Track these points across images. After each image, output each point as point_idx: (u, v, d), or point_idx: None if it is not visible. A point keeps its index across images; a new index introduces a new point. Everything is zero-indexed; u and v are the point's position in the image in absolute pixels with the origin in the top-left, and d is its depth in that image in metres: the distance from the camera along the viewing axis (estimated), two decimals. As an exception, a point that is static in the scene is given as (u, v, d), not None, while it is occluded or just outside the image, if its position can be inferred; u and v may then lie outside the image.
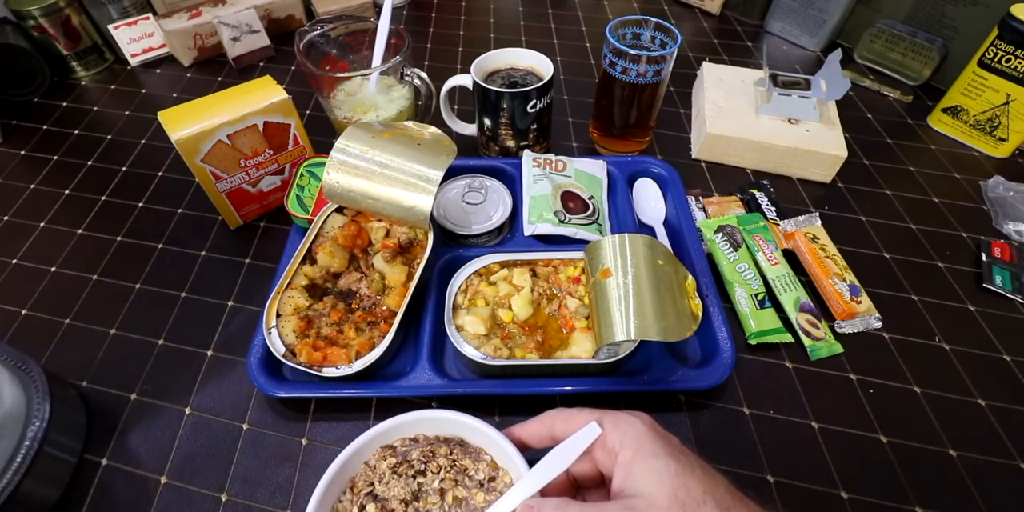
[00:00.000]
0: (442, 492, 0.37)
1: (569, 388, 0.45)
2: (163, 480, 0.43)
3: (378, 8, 0.89)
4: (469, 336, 0.46)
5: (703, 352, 0.50)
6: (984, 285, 0.56)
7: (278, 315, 0.47)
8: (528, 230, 0.55)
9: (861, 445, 0.45)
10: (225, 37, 0.78)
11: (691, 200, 0.62)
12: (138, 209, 0.63)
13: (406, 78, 0.64)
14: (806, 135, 0.65)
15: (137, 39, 0.81)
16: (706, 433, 0.46)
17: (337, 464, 0.37)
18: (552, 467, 0.33)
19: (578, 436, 0.33)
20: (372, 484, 0.37)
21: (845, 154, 0.63)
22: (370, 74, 0.61)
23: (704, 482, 0.29)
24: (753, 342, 0.51)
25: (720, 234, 0.57)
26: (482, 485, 0.37)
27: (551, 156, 0.61)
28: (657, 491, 0.28)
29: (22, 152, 0.70)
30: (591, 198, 0.58)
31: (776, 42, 0.88)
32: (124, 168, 0.68)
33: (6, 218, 0.63)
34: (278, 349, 0.45)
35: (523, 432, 0.36)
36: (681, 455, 0.30)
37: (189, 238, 0.60)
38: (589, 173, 0.60)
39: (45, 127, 0.73)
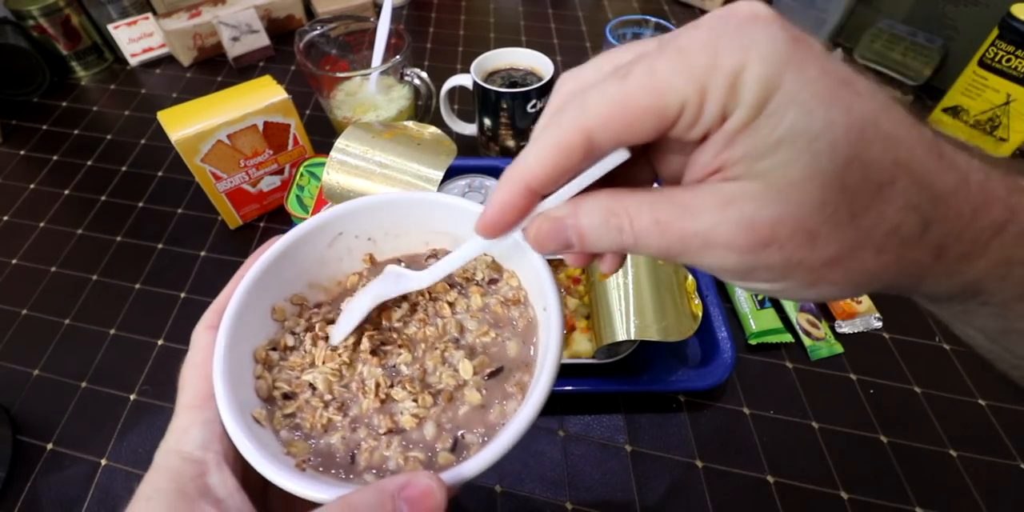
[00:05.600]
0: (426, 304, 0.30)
1: (569, 388, 0.45)
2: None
3: (378, 8, 0.89)
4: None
5: (703, 352, 0.50)
6: (984, 285, 0.56)
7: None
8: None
9: (861, 445, 0.45)
10: (225, 37, 0.78)
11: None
12: (138, 209, 0.63)
13: (406, 78, 0.64)
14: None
15: (137, 39, 0.81)
16: (706, 433, 0.46)
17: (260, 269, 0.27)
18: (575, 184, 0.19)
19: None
20: (319, 306, 0.31)
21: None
22: (370, 74, 0.61)
23: (893, 140, 0.16)
24: (753, 342, 0.51)
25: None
26: (481, 286, 0.30)
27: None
28: (799, 174, 0.15)
29: (22, 152, 0.70)
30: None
31: (776, 42, 0.88)
32: (124, 168, 0.68)
33: (6, 218, 0.63)
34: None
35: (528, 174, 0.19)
36: (852, 93, 0.15)
37: (189, 238, 0.60)
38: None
39: (45, 127, 0.73)
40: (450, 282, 0.31)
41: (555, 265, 0.51)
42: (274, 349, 0.28)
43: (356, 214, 0.30)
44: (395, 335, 0.29)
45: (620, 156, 0.18)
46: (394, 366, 0.28)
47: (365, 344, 0.28)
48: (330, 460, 0.25)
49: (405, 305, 0.30)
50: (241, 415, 0.23)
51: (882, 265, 0.17)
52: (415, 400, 0.26)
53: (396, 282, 0.28)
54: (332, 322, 0.29)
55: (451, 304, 0.29)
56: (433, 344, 0.28)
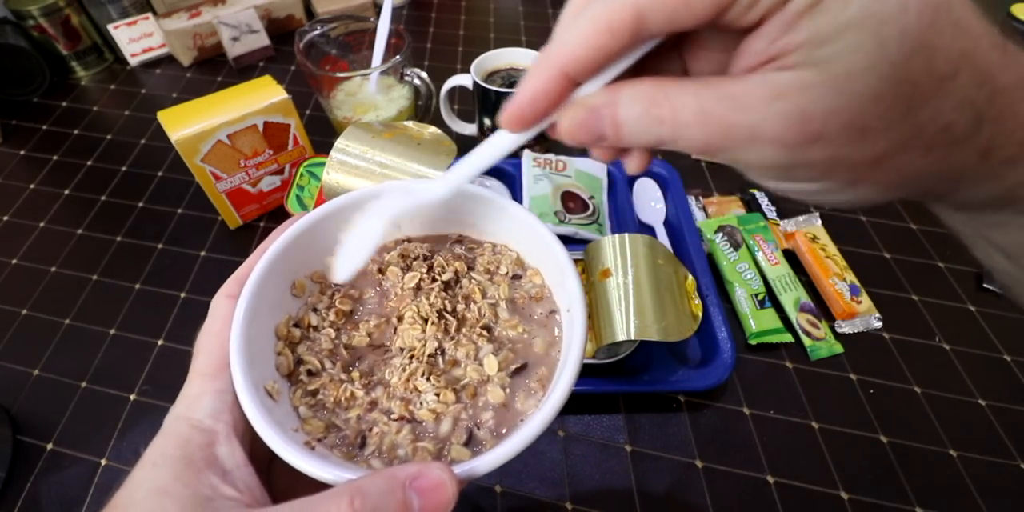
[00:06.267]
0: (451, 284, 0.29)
1: (569, 388, 0.45)
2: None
3: (378, 8, 0.89)
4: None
5: (703, 352, 0.50)
6: (984, 285, 0.56)
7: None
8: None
9: (861, 445, 0.45)
10: (225, 37, 0.78)
11: (691, 200, 0.62)
12: (138, 209, 0.63)
13: (406, 78, 0.64)
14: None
15: (137, 39, 0.81)
16: (706, 433, 0.46)
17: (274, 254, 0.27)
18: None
19: None
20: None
21: (845, 154, 0.63)
22: (370, 74, 0.61)
23: (962, 27, 0.15)
24: (753, 342, 0.51)
25: (720, 234, 0.57)
26: (510, 278, 0.30)
27: (551, 156, 0.61)
28: (861, 62, 0.14)
29: (22, 152, 0.70)
30: (591, 198, 0.58)
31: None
32: (124, 168, 0.68)
33: (6, 218, 0.62)
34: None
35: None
36: None
37: (189, 238, 0.60)
38: (589, 173, 0.60)
39: (45, 127, 0.73)
40: (470, 265, 0.30)
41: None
42: (296, 326, 0.28)
43: (380, 196, 0.30)
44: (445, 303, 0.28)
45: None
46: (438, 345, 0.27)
47: (433, 301, 0.27)
48: (341, 440, 0.25)
49: (437, 285, 0.29)
50: (255, 387, 0.23)
51: (926, 165, 0.16)
52: (437, 394, 0.25)
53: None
54: (357, 299, 0.29)
55: (481, 290, 0.29)
56: (472, 327, 0.28)
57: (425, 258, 0.30)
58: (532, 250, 0.30)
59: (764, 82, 0.15)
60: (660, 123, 0.16)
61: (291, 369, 0.26)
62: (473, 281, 0.29)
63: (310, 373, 0.27)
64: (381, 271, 0.30)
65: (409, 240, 0.32)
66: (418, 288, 0.29)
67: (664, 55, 0.18)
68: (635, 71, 0.18)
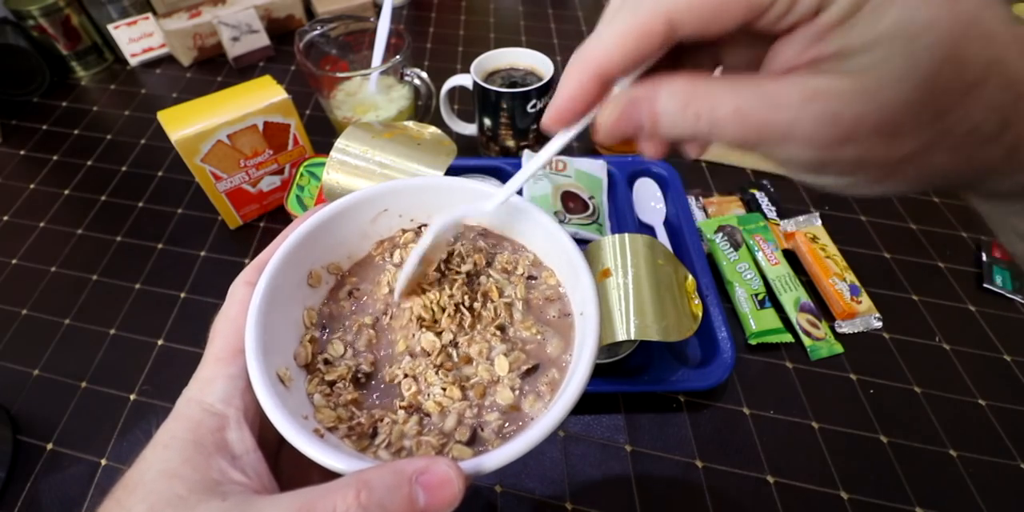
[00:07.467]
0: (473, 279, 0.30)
1: (569, 388, 0.45)
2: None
3: (378, 8, 0.89)
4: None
5: (703, 352, 0.50)
6: (984, 285, 0.56)
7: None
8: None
9: (861, 445, 0.45)
10: (225, 37, 0.78)
11: (691, 200, 0.62)
12: (138, 209, 0.63)
13: (406, 78, 0.64)
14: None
15: (137, 39, 0.81)
16: (706, 433, 0.46)
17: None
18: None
19: None
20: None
21: (845, 154, 0.63)
22: (370, 74, 0.61)
23: (990, 38, 0.15)
24: (753, 342, 0.51)
25: (720, 234, 0.57)
26: (526, 278, 0.30)
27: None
28: (892, 74, 0.15)
29: (22, 152, 0.70)
30: (591, 198, 0.58)
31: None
32: (124, 168, 0.68)
33: (6, 218, 0.63)
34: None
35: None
36: None
37: (189, 238, 0.60)
38: (589, 173, 0.60)
39: (45, 127, 0.73)
40: (489, 261, 0.31)
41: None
42: (320, 314, 0.29)
43: (401, 193, 0.31)
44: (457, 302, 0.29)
45: None
46: (452, 341, 0.28)
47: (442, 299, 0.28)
48: (354, 428, 0.25)
49: (461, 277, 0.29)
50: (268, 373, 0.23)
51: (953, 163, 0.17)
52: (444, 389, 0.26)
53: (462, 213, 0.27)
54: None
55: (499, 288, 0.29)
56: (487, 326, 0.28)
57: (449, 243, 0.31)
58: (548, 252, 0.30)
59: (798, 84, 0.16)
60: (697, 118, 0.17)
61: (309, 359, 0.27)
62: (491, 278, 0.30)
63: (327, 362, 0.27)
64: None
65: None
66: (442, 275, 0.29)
67: (698, 46, 0.19)
68: (669, 59, 0.18)
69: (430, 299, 0.28)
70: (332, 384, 0.26)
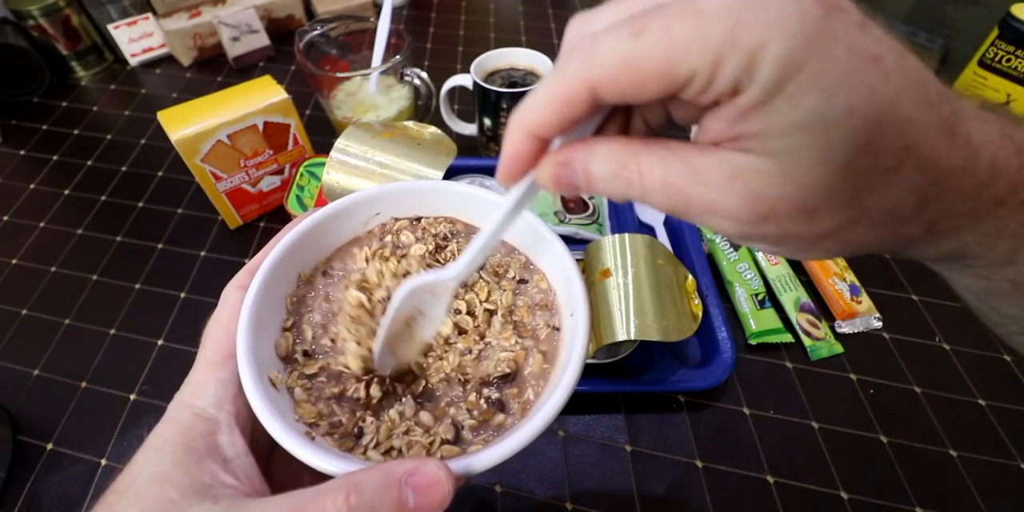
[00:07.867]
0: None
1: (569, 388, 0.45)
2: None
3: (378, 8, 0.89)
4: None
5: (703, 352, 0.50)
6: (984, 285, 0.56)
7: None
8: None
9: (861, 445, 0.45)
10: (225, 37, 0.78)
11: (691, 200, 0.62)
12: (138, 209, 0.63)
13: (406, 78, 0.64)
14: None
15: (137, 39, 0.81)
16: (706, 433, 0.46)
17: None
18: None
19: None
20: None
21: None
22: (370, 74, 0.61)
23: (908, 124, 0.15)
24: (753, 342, 0.51)
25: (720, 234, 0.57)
26: (516, 282, 0.30)
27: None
28: (810, 159, 0.15)
29: (22, 152, 0.70)
30: (591, 198, 0.58)
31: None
32: (124, 168, 0.68)
33: (6, 218, 0.63)
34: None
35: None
36: (878, 74, 0.15)
37: (189, 238, 0.60)
38: (589, 173, 0.60)
39: (45, 127, 0.73)
40: (480, 267, 0.30)
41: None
42: (296, 299, 0.29)
43: (394, 196, 0.31)
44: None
45: None
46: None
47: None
48: (335, 428, 0.25)
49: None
50: (259, 377, 0.23)
51: (875, 237, 0.17)
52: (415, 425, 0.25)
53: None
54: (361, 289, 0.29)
55: (488, 291, 0.29)
56: (470, 333, 0.28)
57: (445, 238, 0.31)
58: (538, 253, 0.30)
59: (724, 162, 0.16)
60: (629, 185, 0.18)
61: (289, 350, 0.27)
62: (482, 280, 0.29)
63: (307, 354, 0.27)
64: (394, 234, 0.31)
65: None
66: (422, 258, 0.29)
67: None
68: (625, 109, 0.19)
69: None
70: (312, 377, 0.26)
